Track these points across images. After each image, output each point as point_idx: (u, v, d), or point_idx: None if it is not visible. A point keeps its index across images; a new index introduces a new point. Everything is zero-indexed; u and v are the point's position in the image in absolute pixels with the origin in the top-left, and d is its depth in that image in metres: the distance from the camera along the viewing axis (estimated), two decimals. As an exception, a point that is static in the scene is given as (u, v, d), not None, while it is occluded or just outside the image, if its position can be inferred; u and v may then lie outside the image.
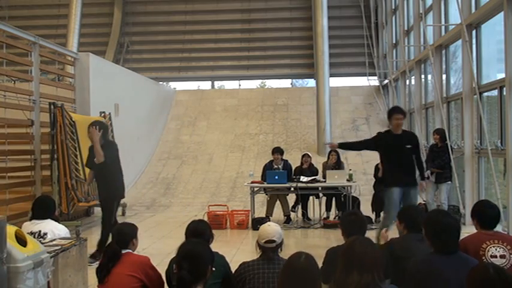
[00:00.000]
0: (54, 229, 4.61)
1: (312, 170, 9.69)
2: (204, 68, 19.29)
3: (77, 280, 4.38)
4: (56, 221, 4.75)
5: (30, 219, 4.71)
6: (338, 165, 9.67)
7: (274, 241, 3.52)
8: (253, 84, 20.95)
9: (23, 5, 19.46)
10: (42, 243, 3.94)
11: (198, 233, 3.74)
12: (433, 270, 3.03)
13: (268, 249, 3.49)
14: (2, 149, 8.50)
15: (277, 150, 9.67)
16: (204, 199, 12.13)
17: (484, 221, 3.70)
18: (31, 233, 4.34)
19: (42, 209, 4.75)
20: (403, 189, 6.43)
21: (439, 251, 3.13)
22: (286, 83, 20.10)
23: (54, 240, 4.43)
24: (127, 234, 3.80)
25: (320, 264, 2.90)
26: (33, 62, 9.15)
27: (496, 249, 3.49)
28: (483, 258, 3.45)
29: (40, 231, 4.50)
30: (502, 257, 3.46)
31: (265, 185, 9.29)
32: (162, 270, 3.82)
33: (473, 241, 3.57)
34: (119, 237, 3.76)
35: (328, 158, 9.89)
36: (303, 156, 10.00)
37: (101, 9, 19.65)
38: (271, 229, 3.57)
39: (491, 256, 3.46)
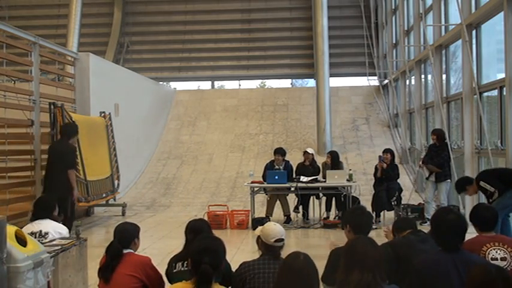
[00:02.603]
0: (55, 228, 4.63)
1: (314, 166, 9.69)
2: (204, 68, 19.27)
3: (77, 280, 4.38)
4: (55, 221, 4.78)
5: (31, 220, 4.74)
6: (337, 165, 9.65)
7: (283, 239, 3.54)
8: (253, 84, 20.98)
9: (23, 5, 19.45)
10: (42, 243, 3.94)
11: (198, 230, 3.77)
12: (439, 267, 3.03)
13: (277, 248, 3.51)
14: (2, 149, 8.49)
15: (279, 151, 9.61)
16: (204, 199, 12.12)
17: (482, 224, 3.78)
18: (32, 233, 4.36)
19: (42, 208, 4.79)
20: None
21: (443, 249, 3.13)
22: (286, 83, 20.11)
23: (54, 240, 4.43)
24: (129, 234, 3.81)
25: (319, 265, 2.90)
26: (33, 62, 9.14)
27: (496, 252, 3.50)
28: None
29: (41, 230, 4.52)
30: (502, 259, 3.46)
31: (265, 185, 9.29)
32: (162, 270, 3.82)
33: (474, 244, 3.58)
34: (121, 236, 3.76)
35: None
36: (304, 153, 10.01)
37: (101, 9, 19.64)
38: (279, 228, 3.59)
39: (492, 259, 3.46)
